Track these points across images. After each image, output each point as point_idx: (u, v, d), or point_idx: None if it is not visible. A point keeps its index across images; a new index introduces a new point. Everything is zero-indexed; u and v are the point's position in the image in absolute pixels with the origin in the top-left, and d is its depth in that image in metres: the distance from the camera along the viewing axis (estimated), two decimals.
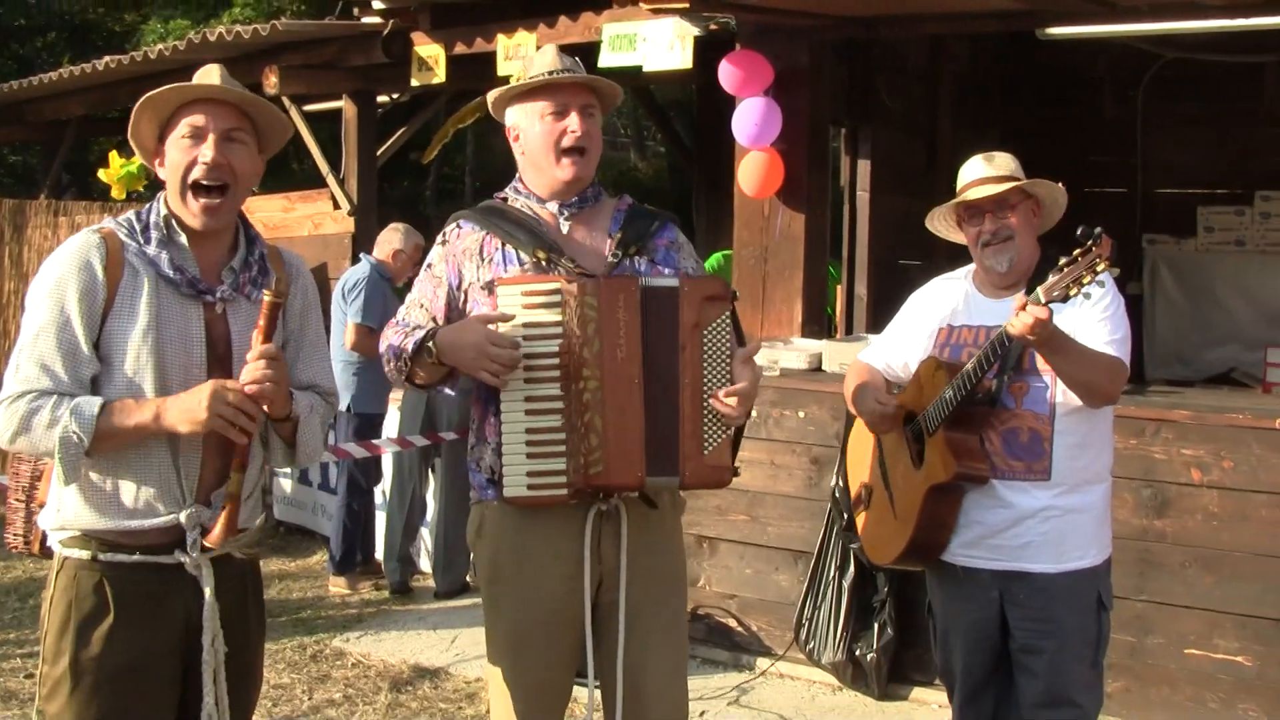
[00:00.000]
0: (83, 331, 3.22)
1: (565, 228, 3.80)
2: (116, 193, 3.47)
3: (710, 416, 3.61)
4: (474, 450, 3.80)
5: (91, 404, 3.17)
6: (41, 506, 3.52)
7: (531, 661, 3.81)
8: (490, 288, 3.67)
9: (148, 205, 3.41)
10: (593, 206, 3.85)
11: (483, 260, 3.74)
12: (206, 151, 3.29)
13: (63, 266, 3.24)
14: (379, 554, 8.60)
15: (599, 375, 3.57)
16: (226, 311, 3.40)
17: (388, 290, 8.48)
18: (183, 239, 3.35)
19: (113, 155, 3.44)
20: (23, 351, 3.23)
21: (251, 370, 3.26)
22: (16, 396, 3.19)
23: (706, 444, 3.61)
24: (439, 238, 3.87)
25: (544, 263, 3.68)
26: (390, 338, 3.79)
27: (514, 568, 3.76)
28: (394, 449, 8.06)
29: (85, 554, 3.29)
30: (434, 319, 3.77)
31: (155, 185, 3.50)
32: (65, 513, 3.31)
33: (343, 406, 8.48)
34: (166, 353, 3.27)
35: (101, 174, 3.44)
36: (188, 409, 3.20)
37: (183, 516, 3.31)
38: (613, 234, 3.80)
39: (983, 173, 4.23)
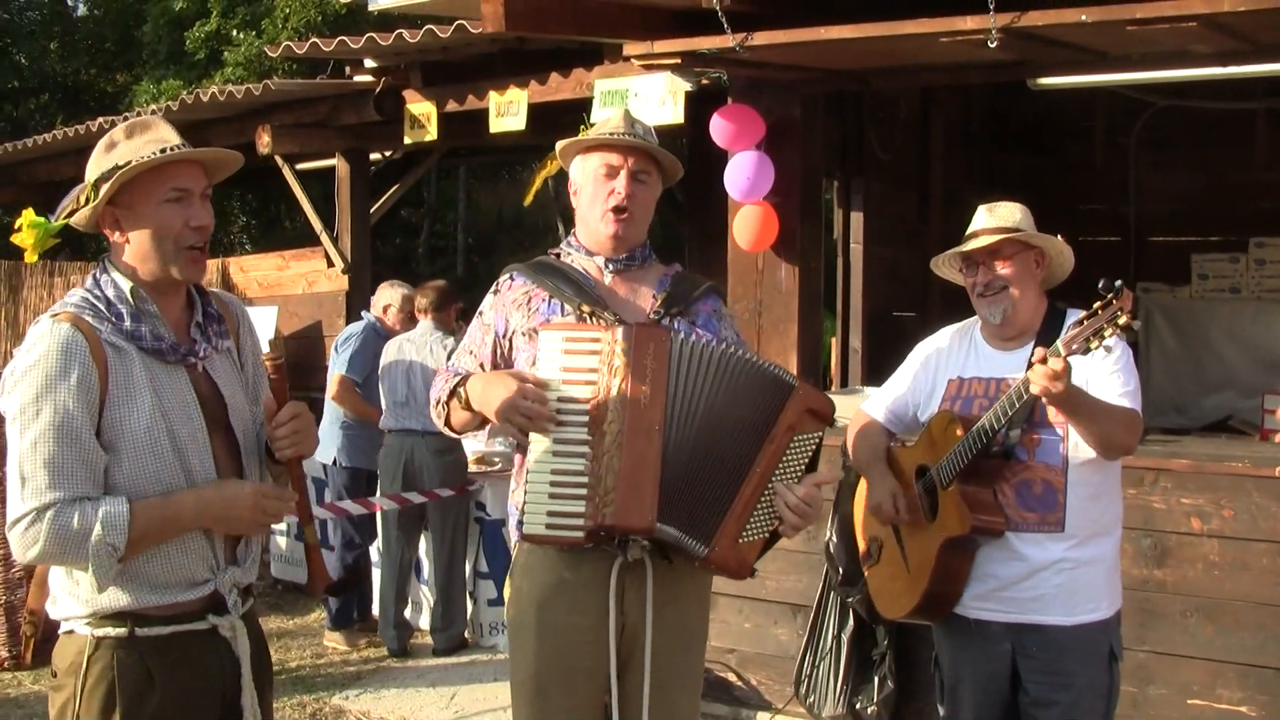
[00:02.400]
0: (86, 425, 3.09)
1: (608, 279, 3.92)
2: (30, 256, 3.30)
3: (761, 512, 3.67)
4: (514, 494, 3.87)
5: (119, 511, 3.05)
6: (32, 614, 3.39)
7: (550, 708, 3.84)
8: (531, 335, 3.80)
9: (92, 280, 3.28)
10: (640, 267, 3.98)
11: (530, 311, 3.87)
12: (203, 215, 3.27)
13: (49, 363, 3.08)
14: (375, 609, 8.56)
15: (621, 420, 3.60)
16: (206, 369, 3.35)
17: (382, 347, 8.49)
18: (153, 307, 3.26)
19: (28, 213, 3.21)
20: (25, 462, 3.06)
21: (288, 432, 3.32)
22: (36, 513, 3.04)
23: (746, 534, 3.66)
24: (493, 287, 4.02)
25: (588, 317, 3.78)
26: (436, 384, 3.96)
27: (536, 615, 3.81)
28: (391, 505, 8.02)
29: (122, 630, 3.18)
30: (480, 365, 3.92)
31: (70, 242, 3.40)
32: (101, 599, 3.15)
33: (329, 459, 8.49)
34: (176, 425, 3.21)
35: (16, 239, 3.24)
36: (230, 518, 3.21)
37: (221, 581, 3.29)
38: (657, 294, 3.91)
39: (983, 223, 4.24)
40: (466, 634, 8.26)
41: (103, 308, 3.20)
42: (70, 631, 3.22)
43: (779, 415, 3.68)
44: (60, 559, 3.09)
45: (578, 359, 3.66)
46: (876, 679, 6.15)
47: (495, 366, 3.90)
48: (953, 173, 10.41)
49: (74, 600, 3.19)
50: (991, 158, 10.98)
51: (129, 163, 3.20)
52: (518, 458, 3.87)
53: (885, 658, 6.14)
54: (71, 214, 3.31)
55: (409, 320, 8.67)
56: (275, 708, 6.88)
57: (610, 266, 3.93)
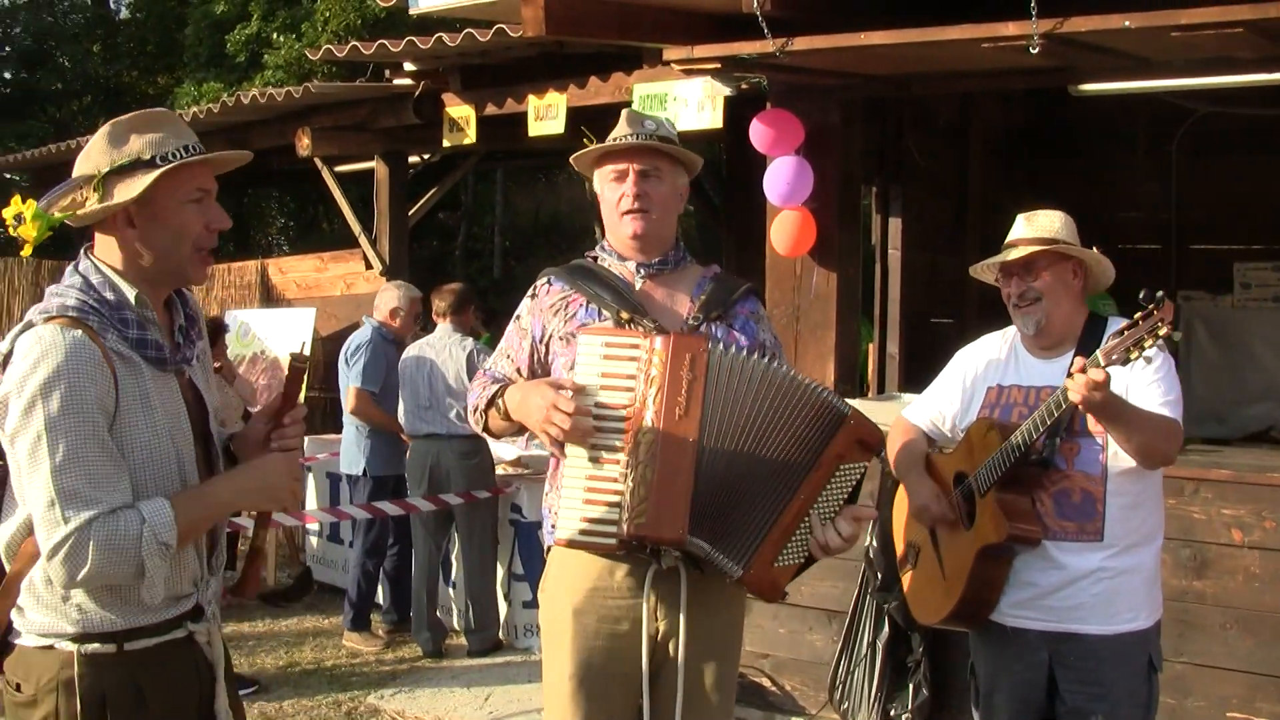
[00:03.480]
0: (108, 435, 2.93)
1: (639, 284, 3.89)
2: (27, 250, 3.05)
3: (800, 537, 3.66)
4: (547, 497, 3.89)
5: (162, 509, 2.93)
6: None
7: (583, 713, 3.83)
8: (569, 338, 3.79)
9: (82, 281, 3.07)
10: (674, 270, 3.95)
11: (567, 316, 3.87)
12: (222, 218, 3.16)
13: (73, 373, 2.88)
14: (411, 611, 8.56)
15: (656, 430, 3.58)
16: (190, 375, 3.23)
17: (391, 353, 8.50)
18: (153, 313, 3.11)
19: (31, 204, 2.93)
20: (61, 477, 2.85)
21: (292, 434, 3.24)
22: (79, 532, 2.85)
23: (782, 557, 3.66)
24: (530, 291, 4.00)
25: (627, 323, 3.77)
26: (474, 389, 3.98)
27: (570, 620, 3.81)
28: (429, 507, 8.03)
29: (110, 647, 3.03)
30: (518, 369, 3.92)
31: (62, 236, 3.23)
32: (92, 618, 3.01)
33: (358, 470, 8.49)
34: (177, 434, 3.09)
35: (21, 231, 2.95)
36: (267, 487, 3.14)
37: (203, 595, 3.20)
38: (695, 298, 3.89)
39: (1020, 233, 4.20)
40: (501, 635, 8.26)
41: (106, 313, 3.01)
42: (49, 647, 3.03)
43: (829, 443, 3.65)
44: (111, 574, 2.91)
45: (617, 365, 3.65)
46: (911, 686, 6.13)
47: (533, 371, 3.90)
48: (991, 179, 10.37)
49: (56, 615, 3.03)
50: (1031, 164, 10.92)
51: (153, 158, 3.05)
52: (553, 461, 3.88)
53: (920, 665, 6.12)
54: (73, 208, 3.11)
55: (416, 321, 8.66)
56: (311, 706, 7.05)
57: (643, 271, 3.91)
